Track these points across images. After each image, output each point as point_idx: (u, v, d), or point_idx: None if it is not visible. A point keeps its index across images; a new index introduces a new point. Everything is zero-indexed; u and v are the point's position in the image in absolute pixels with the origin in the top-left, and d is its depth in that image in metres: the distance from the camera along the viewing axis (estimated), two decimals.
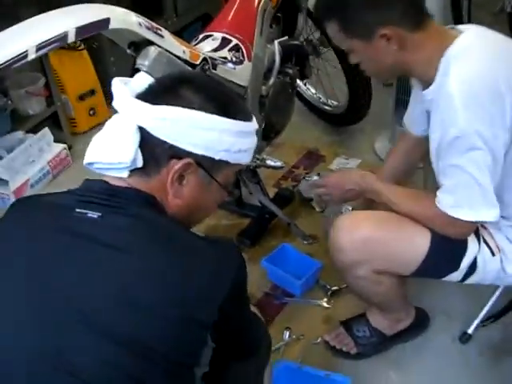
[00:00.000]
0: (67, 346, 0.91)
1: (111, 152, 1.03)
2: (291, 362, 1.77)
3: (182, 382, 1.00)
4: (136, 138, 1.02)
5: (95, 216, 0.99)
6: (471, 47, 1.39)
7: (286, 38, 2.08)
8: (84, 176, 1.09)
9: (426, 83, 1.46)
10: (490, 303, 1.89)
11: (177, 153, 1.03)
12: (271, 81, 1.99)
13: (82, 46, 2.94)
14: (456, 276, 1.58)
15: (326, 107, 2.95)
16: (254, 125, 1.13)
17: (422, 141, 1.70)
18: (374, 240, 1.55)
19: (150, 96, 1.06)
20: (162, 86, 1.09)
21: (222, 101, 1.08)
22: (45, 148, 2.73)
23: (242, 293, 1.11)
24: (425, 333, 1.94)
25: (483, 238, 1.55)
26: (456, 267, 1.55)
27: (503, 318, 1.95)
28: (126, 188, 1.04)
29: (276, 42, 1.98)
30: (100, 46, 3.03)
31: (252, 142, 1.13)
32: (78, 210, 1.01)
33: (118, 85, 1.09)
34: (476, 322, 1.90)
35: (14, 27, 1.28)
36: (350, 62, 1.50)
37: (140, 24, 1.46)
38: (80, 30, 1.31)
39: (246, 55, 1.86)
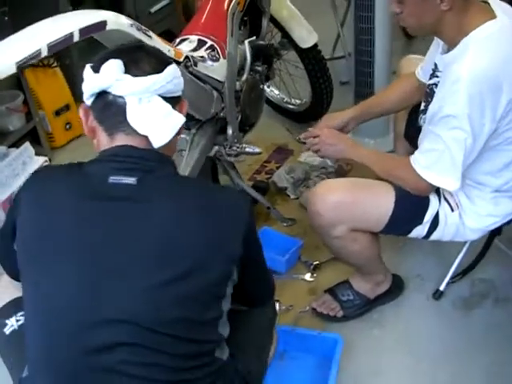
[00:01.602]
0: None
1: None
2: (285, 326, 1.91)
3: (214, 314, 1.16)
4: None
5: (130, 181, 1.10)
6: (492, 38, 1.48)
7: (254, 38, 2.26)
8: None
9: (448, 46, 1.59)
10: (458, 261, 2.08)
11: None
12: (244, 77, 2.15)
13: (55, 64, 3.02)
14: (421, 231, 1.76)
15: (290, 106, 3.11)
16: None
17: (424, 87, 1.82)
18: (344, 202, 1.72)
19: None
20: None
21: None
22: (27, 161, 2.81)
23: (256, 232, 1.25)
24: (401, 295, 2.10)
25: (443, 195, 1.74)
26: (420, 220, 1.74)
27: (470, 274, 2.14)
28: (148, 150, 1.15)
29: (246, 41, 2.15)
30: (71, 63, 3.13)
31: None
32: (112, 178, 1.10)
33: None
34: (446, 279, 2.08)
35: (25, 30, 1.42)
36: (390, 10, 1.56)
37: (132, 25, 1.62)
38: (83, 31, 1.47)
39: (221, 54, 2.02)
